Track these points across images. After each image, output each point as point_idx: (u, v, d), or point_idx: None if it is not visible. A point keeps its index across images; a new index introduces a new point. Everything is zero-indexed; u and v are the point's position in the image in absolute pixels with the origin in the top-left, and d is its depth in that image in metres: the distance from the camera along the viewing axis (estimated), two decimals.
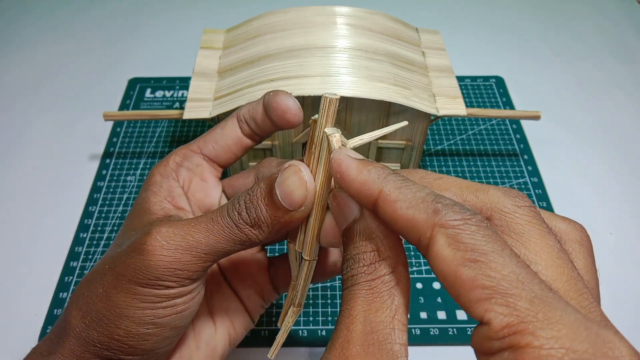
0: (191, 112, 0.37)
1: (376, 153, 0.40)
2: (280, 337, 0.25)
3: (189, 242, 0.21)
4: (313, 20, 0.40)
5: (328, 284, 0.41)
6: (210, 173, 0.27)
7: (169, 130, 0.53)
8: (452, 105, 0.38)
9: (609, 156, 0.52)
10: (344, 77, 0.36)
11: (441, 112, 0.37)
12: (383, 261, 0.18)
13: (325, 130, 0.20)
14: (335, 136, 0.19)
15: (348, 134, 0.39)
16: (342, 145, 0.19)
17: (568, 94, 0.58)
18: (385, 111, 0.37)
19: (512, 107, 0.56)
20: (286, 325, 0.25)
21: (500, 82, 0.59)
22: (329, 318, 0.39)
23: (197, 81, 0.39)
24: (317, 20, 0.40)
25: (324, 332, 0.38)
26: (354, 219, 0.19)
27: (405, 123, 0.23)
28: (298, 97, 0.36)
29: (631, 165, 0.51)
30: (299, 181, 0.20)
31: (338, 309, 0.39)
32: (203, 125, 0.53)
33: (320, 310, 0.39)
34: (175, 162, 0.26)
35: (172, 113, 0.43)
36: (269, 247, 0.42)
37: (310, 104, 0.36)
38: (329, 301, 0.40)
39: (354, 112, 0.37)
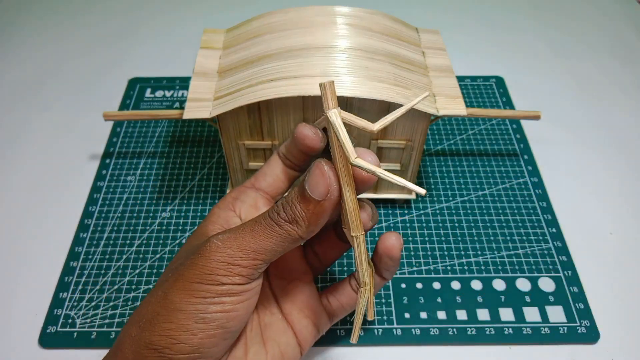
0: (191, 112, 0.37)
1: (376, 153, 0.40)
2: (356, 320, 0.27)
3: (239, 242, 0.25)
4: (313, 20, 0.40)
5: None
6: (262, 203, 0.30)
7: (169, 130, 0.53)
8: (452, 105, 0.38)
9: (609, 156, 0.52)
10: (344, 77, 0.36)
11: (441, 112, 0.37)
12: None
13: (327, 112, 0.23)
14: (333, 112, 0.23)
15: (350, 135, 0.39)
16: (342, 118, 0.24)
17: (568, 93, 0.58)
18: (385, 111, 0.37)
19: (512, 107, 0.56)
20: (358, 306, 0.27)
21: (500, 82, 0.59)
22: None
23: (197, 81, 0.39)
24: (317, 20, 0.40)
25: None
26: None
27: (427, 94, 0.25)
28: (298, 97, 0.36)
29: (631, 165, 0.51)
30: (320, 173, 0.24)
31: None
32: (203, 126, 0.53)
33: None
34: (231, 196, 0.30)
35: (172, 113, 0.43)
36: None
37: (311, 104, 0.36)
38: None
39: (353, 112, 0.37)
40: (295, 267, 0.31)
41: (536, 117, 0.46)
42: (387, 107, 0.36)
